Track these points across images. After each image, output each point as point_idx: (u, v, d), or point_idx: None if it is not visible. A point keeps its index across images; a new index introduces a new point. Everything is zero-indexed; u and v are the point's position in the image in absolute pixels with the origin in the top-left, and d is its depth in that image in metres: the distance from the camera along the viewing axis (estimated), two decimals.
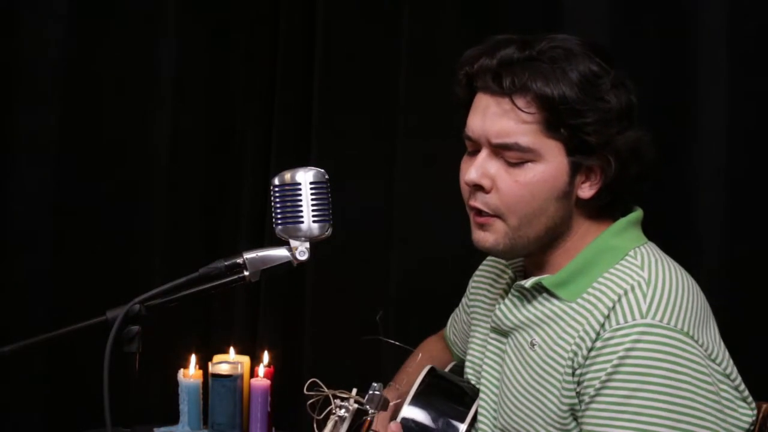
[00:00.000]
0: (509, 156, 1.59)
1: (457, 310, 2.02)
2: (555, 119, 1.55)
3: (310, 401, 1.61)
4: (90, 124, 2.82)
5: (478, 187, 1.62)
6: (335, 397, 1.57)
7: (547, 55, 1.57)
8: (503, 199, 1.60)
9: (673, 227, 2.19)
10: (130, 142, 2.84)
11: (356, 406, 1.55)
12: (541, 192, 1.59)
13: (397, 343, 1.83)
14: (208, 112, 2.84)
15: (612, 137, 1.57)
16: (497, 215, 1.61)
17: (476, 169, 1.61)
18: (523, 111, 1.56)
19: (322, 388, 1.61)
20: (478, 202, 1.62)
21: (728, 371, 1.56)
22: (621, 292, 1.56)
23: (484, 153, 1.61)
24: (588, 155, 1.58)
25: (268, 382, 2.31)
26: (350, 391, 1.75)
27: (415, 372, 1.83)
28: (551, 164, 1.58)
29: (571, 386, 1.57)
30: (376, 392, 1.58)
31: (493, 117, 1.59)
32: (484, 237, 1.64)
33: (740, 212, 2.23)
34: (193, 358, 2.36)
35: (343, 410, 1.55)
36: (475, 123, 1.62)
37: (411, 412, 1.72)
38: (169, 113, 2.83)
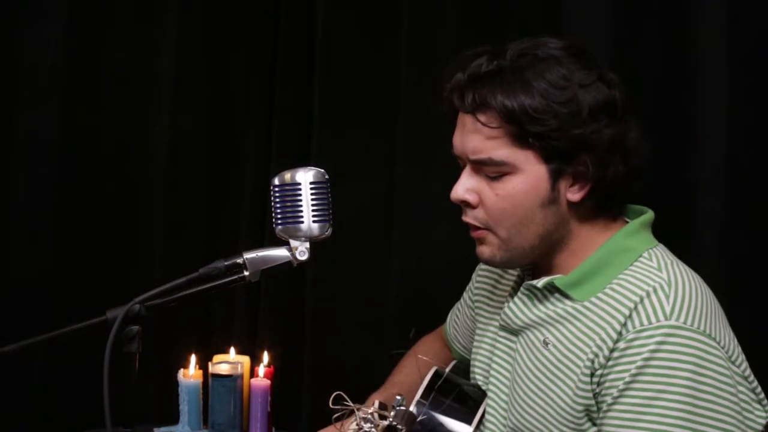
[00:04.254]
0: (488, 171, 1.61)
1: (458, 305, 2.02)
2: (520, 130, 1.57)
3: (336, 415, 1.61)
4: (90, 124, 2.82)
5: (465, 203, 1.65)
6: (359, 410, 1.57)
7: (514, 65, 1.58)
8: (489, 212, 1.63)
9: (673, 227, 2.18)
10: (130, 142, 2.84)
11: (385, 422, 1.54)
12: (522, 202, 1.60)
13: (425, 358, 1.85)
14: (208, 112, 2.84)
15: (584, 138, 1.57)
16: (487, 228, 1.64)
17: (461, 186, 1.65)
18: (487, 127, 1.59)
19: (347, 401, 1.61)
20: (468, 217, 1.66)
21: (746, 373, 1.56)
22: (642, 293, 1.56)
23: (467, 169, 1.65)
24: (567, 160, 1.58)
25: (268, 382, 2.31)
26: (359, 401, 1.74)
27: (419, 373, 1.83)
28: (528, 174, 1.59)
29: (588, 387, 1.56)
30: (401, 407, 1.58)
31: (468, 134, 1.62)
32: (481, 251, 1.68)
33: (740, 212, 2.23)
34: (193, 358, 2.36)
35: (368, 424, 1.54)
36: (456, 140, 1.66)
37: (416, 414, 1.72)
38: (169, 113, 2.83)
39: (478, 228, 1.65)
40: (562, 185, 1.61)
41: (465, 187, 1.64)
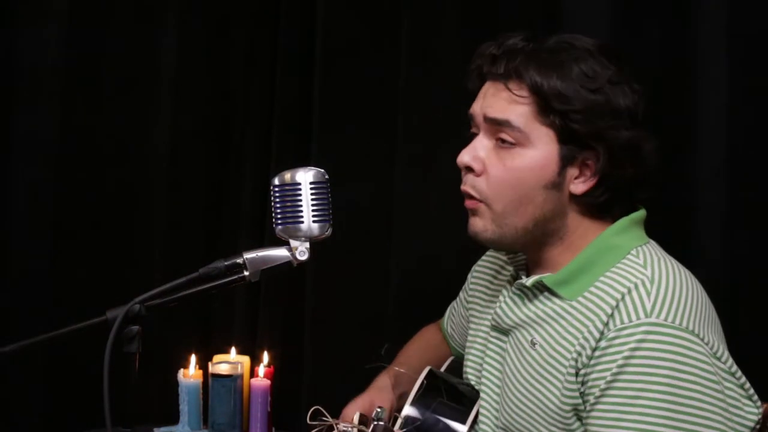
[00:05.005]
0: (502, 135, 1.62)
1: (455, 302, 2.02)
2: (544, 104, 1.59)
3: (314, 431, 1.61)
4: (90, 124, 2.82)
5: (469, 170, 1.65)
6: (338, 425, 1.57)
7: (550, 48, 1.62)
8: (490, 183, 1.63)
9: (673, 227, 2.19)
10: (130, 142, 2.84)
11: None
12: (527, 179, 1.61)
13: (402, 370, 1.85)
14: (208, 113, 2.84)
15: (603, 130, 1.58)
16: (483, 200, 1.64)
17: (468, 151, 1.65)
18: (514, 94, 1.60)
19: (325, 416, 1.61)
20: (467, 185, 1.66)
21: (733, 369, 1.55)
22: (624, 290, 1.56)
23: (479, 136, 1.65)
24: (580, 148, 1.59)
25: (268, 382, 2.31)
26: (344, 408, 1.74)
27: (415, 371, 1.83)
28: (540, 151, 1.60)
29: (575, 386, 1.57)
30: (380, 422, 1.58)
31: (491, 97, 1.64)
32: (473, 222, 1.67)
33: (740, 212, 2.23)
34: (193, 358, 2.36)
35: None
36: (476, 103, 1.67)
37: (411, 414, 1.72)
38: (169, 113, 2.83)
39: (473, 198, 1.65)
40: (568, 173, 1.61)
41: (473, 154, 1.64)
